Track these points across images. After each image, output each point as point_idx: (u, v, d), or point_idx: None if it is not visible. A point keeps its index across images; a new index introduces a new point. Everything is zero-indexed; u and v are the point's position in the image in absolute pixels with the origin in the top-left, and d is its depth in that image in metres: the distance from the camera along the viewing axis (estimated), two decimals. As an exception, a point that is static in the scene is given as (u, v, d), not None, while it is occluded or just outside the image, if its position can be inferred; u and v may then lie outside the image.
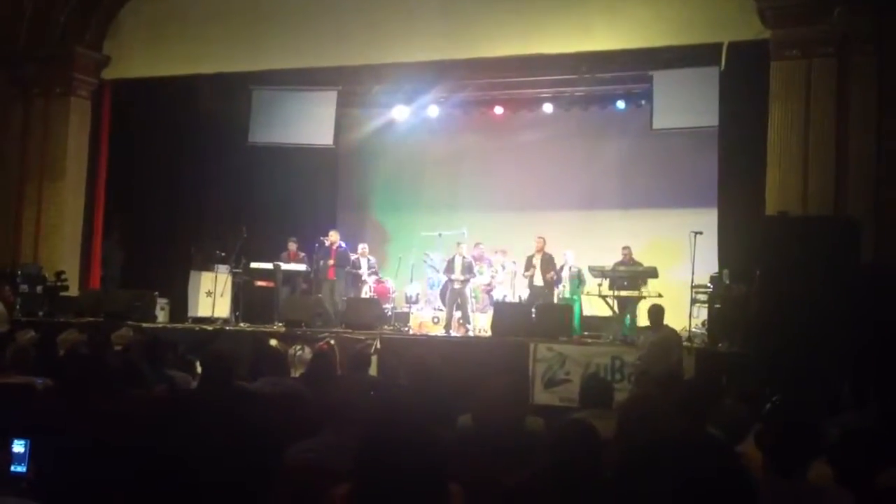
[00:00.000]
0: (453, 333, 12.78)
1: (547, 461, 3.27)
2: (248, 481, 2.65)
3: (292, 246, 13.98)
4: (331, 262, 13.74)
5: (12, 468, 3.65)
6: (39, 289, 12.99)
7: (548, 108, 15.22)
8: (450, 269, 13.35)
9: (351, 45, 13.12)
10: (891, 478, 3.75)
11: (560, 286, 13.37)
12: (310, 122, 14.51)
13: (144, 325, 11.72)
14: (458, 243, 13.66)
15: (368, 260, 14.56)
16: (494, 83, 14.94)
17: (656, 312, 10.01)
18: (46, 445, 3.67)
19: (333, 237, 13.93)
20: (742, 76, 11.70)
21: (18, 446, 3.65)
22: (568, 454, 3.15)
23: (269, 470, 3.51)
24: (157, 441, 3.51)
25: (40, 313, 12.58)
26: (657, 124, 12.86)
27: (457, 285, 13.19)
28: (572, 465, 3.11)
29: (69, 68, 14.27)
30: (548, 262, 13.28)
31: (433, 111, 15.62)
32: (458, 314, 13.17)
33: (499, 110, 15.67)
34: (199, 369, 6.78)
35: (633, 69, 13.39)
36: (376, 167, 16.92)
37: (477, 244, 14.49)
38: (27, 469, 3.66)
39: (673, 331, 10.17)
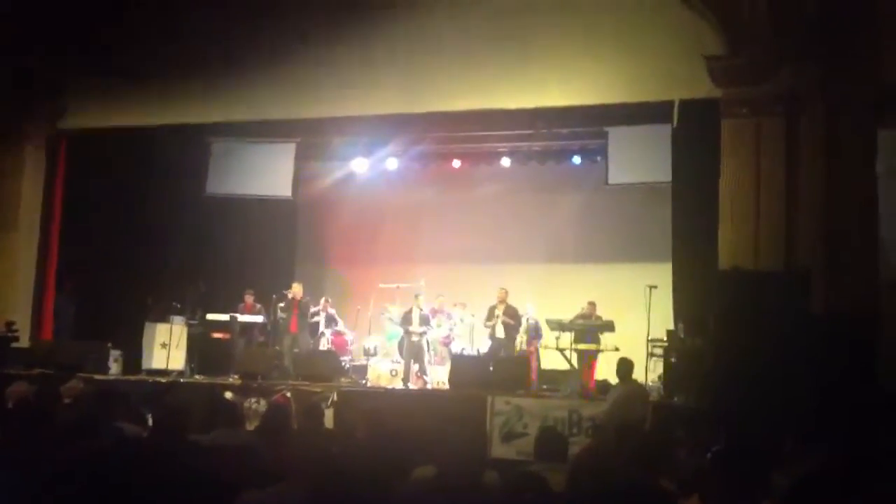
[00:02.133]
0: (411, 386, 12.73)
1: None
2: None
3: (249, 298, 13.88)
4: (293, 315, 13.62)
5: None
6: (-11, 340, 12.74)
7: (505, 162, 15.35)
8: (407, 321, 13.33)
9: (310, 97, 13.22)
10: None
11: (518, 339, 13.40)
12: (268, 175, 14.50)
13: (97, 376, 11.52)
14: (416, 295, 13.67)
15: (328, 313, 14.50)
16: (452, 137, 15.08)
17: (624, 366, 9.93)
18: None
19: (297, 290, 13.83)
20: (694, 133, 11.95)
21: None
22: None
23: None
24: (107, 493, 3.46)
25: (-11, 365, 12.32)
26: (612, 179, 13.05)
27: (414, 338, 13.18)
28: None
29: (24, 119, 14.19)
30: (512, 314, 13.29)
31: (392, 164, 15.69)
32: (415, 367, 13.13)
33: (457, 164, 15.77)
34: (150, 422, 6.66)
35: (588, 125, 13.61)
36: (335, 219, 16.94)
37: (439, 296, 14.50)
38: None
39: (640, 386, 10.20)
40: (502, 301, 13.29)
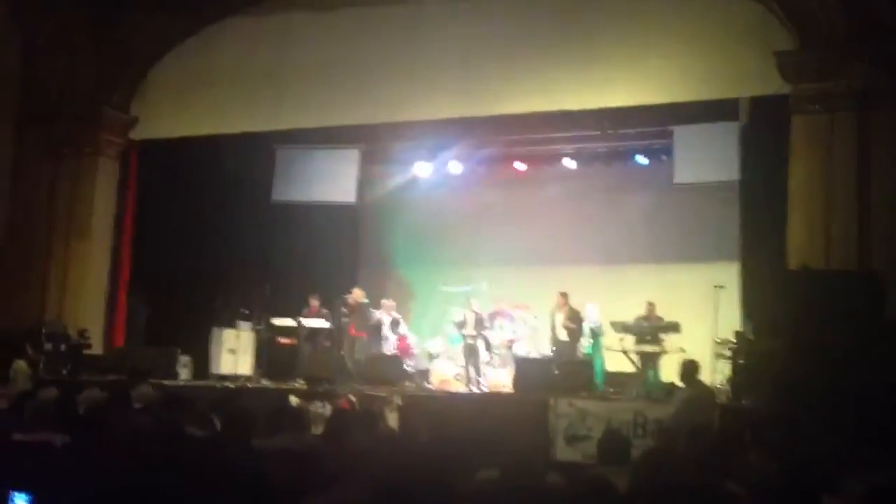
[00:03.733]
0: (474, 390, 12.71)
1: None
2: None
3: (314, 302, 13.97)
4: (354, 319, 13.73)
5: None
6: (63, 347, 13.03)
7: (569, 163, 15.25)
8: (464, 324, 13.35)
9: (372, 103, 13.28)
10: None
11: (581, 341, 13.27)
12: (332, 180, 14.64)
13: (166, 382, 11.73)
14: (471, 298, 13.68)
15: (392, 316, 14.53)
16: (516, 139, 15.03)
17: (689, 368, 9.73)
18: (51, 499, 3.66)
19: (357, 294, 13.94)
20: (763, 130, 11.74)
21: (19, 500, 3.65)
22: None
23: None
24: (174, 497, 3.50)
25: (64, 371, 12.62)
26: (678, 179, 12.88)
27: (469, 340, 13.20)
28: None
29: (97, 129, 14.56)
30: (574, 317, 13.14)
31: (455, 167, 15.72)
32: (471, 369, 13.14)
33: (520, 166, 15.73)
34: (218, 426, 6.74)
35: (654, 124, 13.45)
36: (398, 223, 16.97)
37: (497, 300, 14.45)
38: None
39: (706, 387, 9.99)
40: (562, 306, 13.16)
